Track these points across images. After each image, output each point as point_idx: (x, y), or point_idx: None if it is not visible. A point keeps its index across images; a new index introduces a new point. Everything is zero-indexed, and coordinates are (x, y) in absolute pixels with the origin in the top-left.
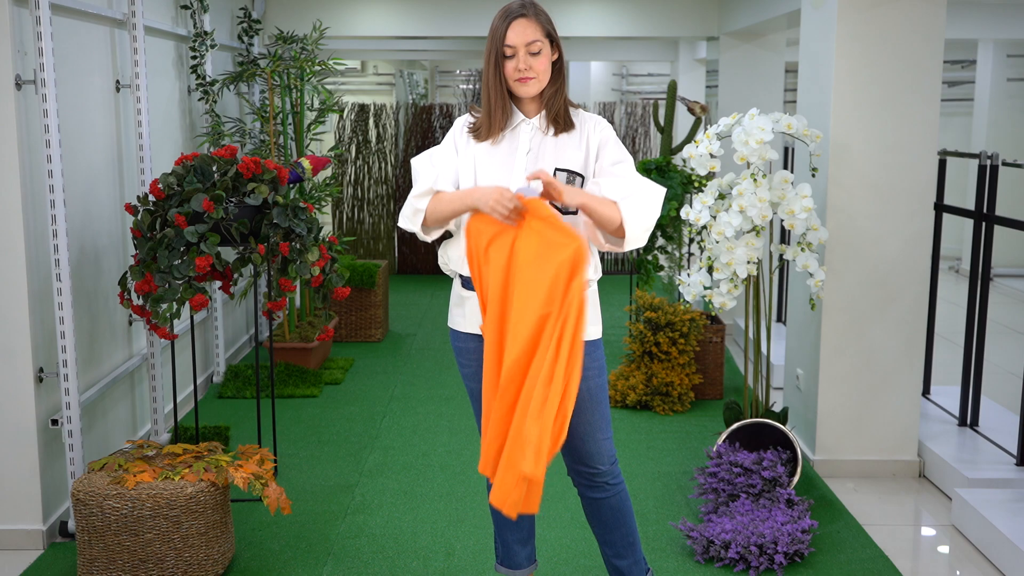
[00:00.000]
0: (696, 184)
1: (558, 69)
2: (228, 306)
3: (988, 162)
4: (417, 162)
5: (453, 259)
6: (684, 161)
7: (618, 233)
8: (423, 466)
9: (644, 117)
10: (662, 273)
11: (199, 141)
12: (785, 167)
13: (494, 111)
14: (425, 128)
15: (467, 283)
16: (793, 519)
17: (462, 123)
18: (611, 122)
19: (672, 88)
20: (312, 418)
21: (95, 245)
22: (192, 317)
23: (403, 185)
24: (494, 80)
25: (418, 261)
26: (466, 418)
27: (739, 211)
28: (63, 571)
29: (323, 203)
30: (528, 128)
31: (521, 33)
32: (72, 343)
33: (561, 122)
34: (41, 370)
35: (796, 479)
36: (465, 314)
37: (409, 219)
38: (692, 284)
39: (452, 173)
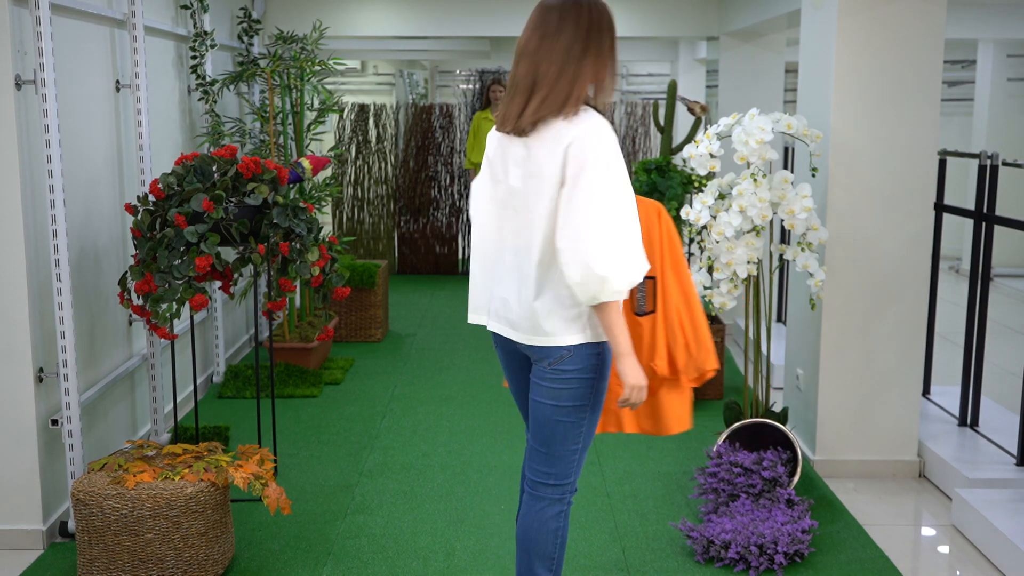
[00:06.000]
0: (696, 184)
1: None
2: (228, 306)
3: (988, 162)
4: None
5: None
6: (684, 161)
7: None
8: (423, 466)
9: (644, 117)
10: None
11: (199, 141)
12: (785, 167)
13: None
14: (425, 128)
15: None
16: (793, 519)
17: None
18: (611, 122)
19: (672, 88)
20: (312, 418)
21: (95, 245)
22: (192, 317)
23: (403, 185)
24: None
25: (418, 261)
26: (466, 418)
27: (739, 211)
28: (63, 571)
29: (323, 203)
30: None
31: None
32: (72, 343)
33: None
34: (41, 370)
35: (796, 479)
36: None
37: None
38: None
39: None
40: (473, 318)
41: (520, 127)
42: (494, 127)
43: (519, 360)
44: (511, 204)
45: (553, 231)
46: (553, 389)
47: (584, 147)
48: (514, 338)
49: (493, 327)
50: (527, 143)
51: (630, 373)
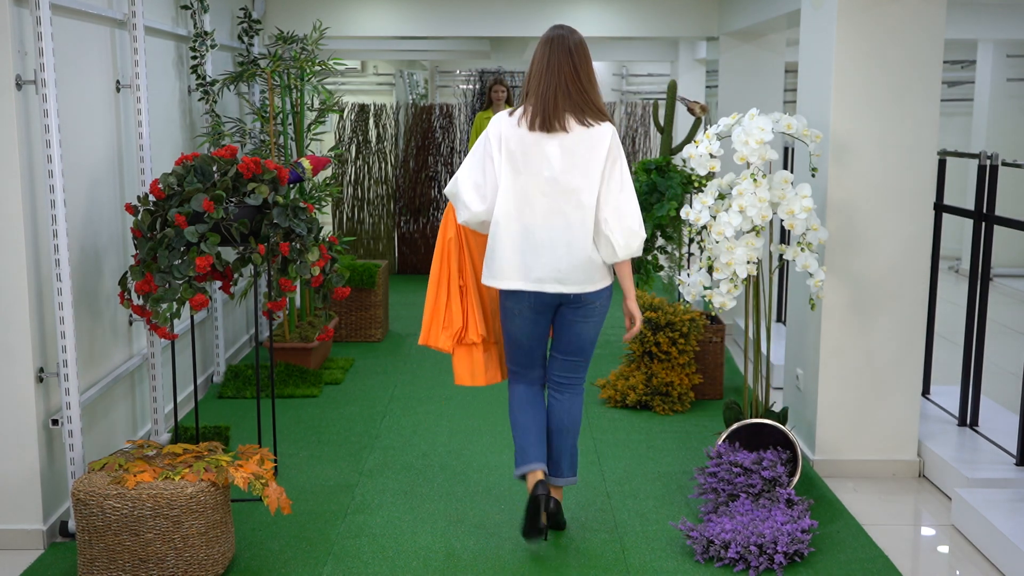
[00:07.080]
0: (696, 184)
1: None
2: (228, 306)
3: (988, 162)
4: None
5: None
6: (684, 161)
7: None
8: (423, 466)
9: (644, 117)
10: (662, 273)
11: (199, 141)
12: (785, 167)
13: None
14: (425, 128)
15: None
16: (793, 519)
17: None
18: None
19: (672, 88)
20: (312, 418)
21: (95, 245)
22: (192, 317)
23: (403, 185)
24: None
25: (418, 261)
26: (466, 418)
27: (739, 211)
28: (63, 571)
29: (323, 203)
30: None
31: None
32: (72, 343)
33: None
34: (41, 370)
35: (796, 479)
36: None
37: None
38: (692, 284)
39: None
40: (507, 284)
41: (562, 127)
42: (523, 127)
43: (546, 310)
44: (545, 191)
45: (596, 207)
46: (593, 320)
47: (616, 143)
48: (566, 291)
49: (533, 287)
50: (562, 141)
51: (637, 309)
